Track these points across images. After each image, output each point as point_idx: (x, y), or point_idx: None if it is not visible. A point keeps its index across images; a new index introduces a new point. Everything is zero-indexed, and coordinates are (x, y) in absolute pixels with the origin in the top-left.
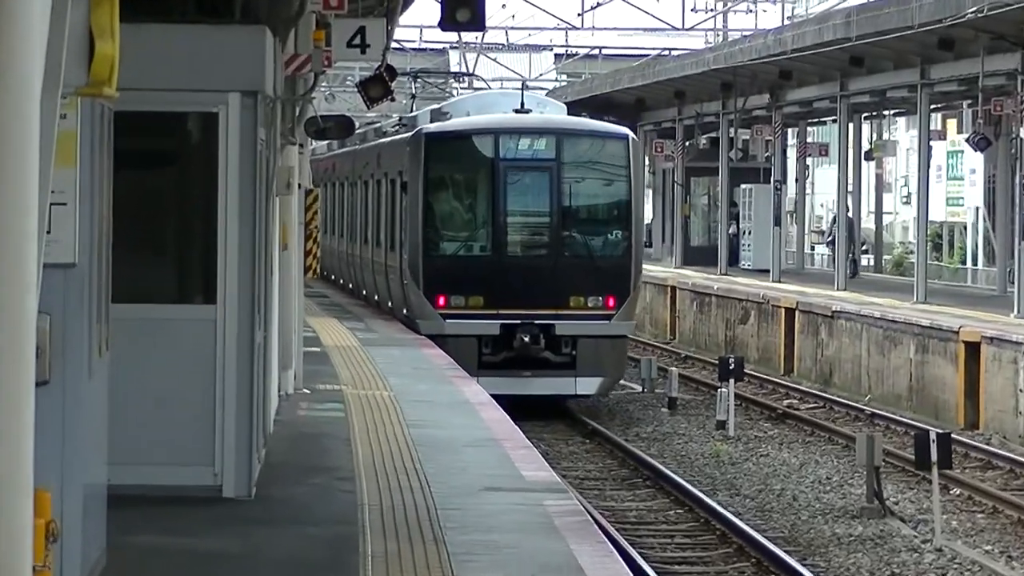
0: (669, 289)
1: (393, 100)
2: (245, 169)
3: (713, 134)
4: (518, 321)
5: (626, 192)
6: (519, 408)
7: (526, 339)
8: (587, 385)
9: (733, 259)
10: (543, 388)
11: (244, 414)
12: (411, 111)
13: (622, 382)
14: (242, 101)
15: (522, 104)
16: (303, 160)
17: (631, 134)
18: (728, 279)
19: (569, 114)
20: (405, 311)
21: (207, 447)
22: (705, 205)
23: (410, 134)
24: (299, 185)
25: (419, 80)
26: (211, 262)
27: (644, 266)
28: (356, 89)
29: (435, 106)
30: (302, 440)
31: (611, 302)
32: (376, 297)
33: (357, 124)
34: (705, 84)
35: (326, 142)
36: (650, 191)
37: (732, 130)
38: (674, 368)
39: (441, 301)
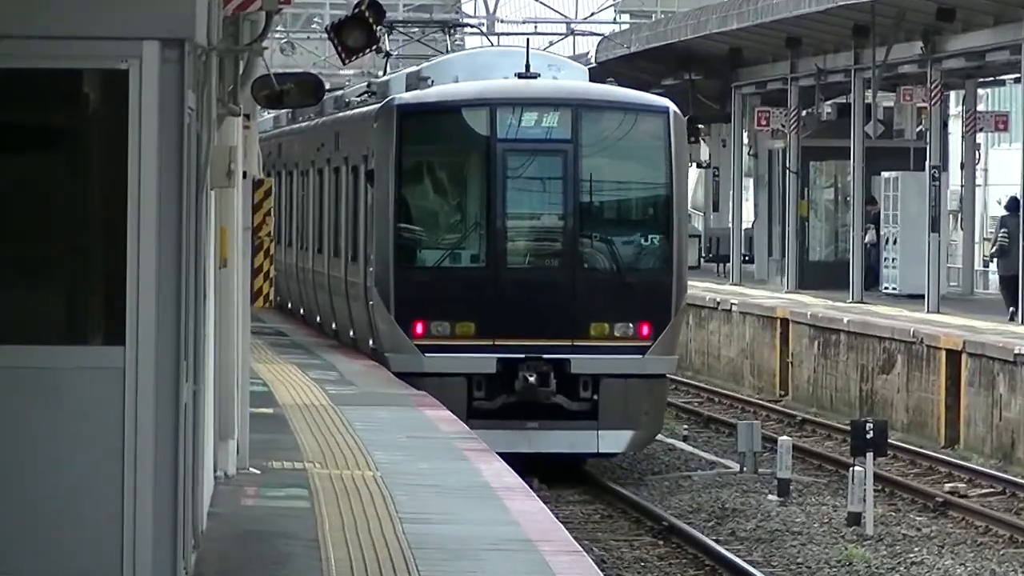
0: (778, 323)
1: (379, 52)
2: (166, 151)
3: (841, 99)
4: (521, 355)
5: (665, 184)
6: (554, 479)
7: (531, 379)
8: (613, 441)
9: (871, 280)
10: (554, 445)
11: (165, 505)
12: (383, 73)
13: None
14: (162, 53)
15: (527, 66)
16: (250, 137)
17: (672, 106)
18: (864, 308)
19: (602, 79)
20: (372, 343)
21: (111, 553)
22: (830, 201)
23: (378, 106)
24: (244, 173)
25: (396, 30)
26: (116, 285)
27: (742, 290)
28: (326, 36)
29: (413, 68)
30: (249, 542)
31: (645, 330)
32: (333, 325)
33: (327, 87)
34: (831, 27)
35: (270, 114)
36: (749, 182)
37: (869, 94)
38: (786, 437)
39: (419, 329)
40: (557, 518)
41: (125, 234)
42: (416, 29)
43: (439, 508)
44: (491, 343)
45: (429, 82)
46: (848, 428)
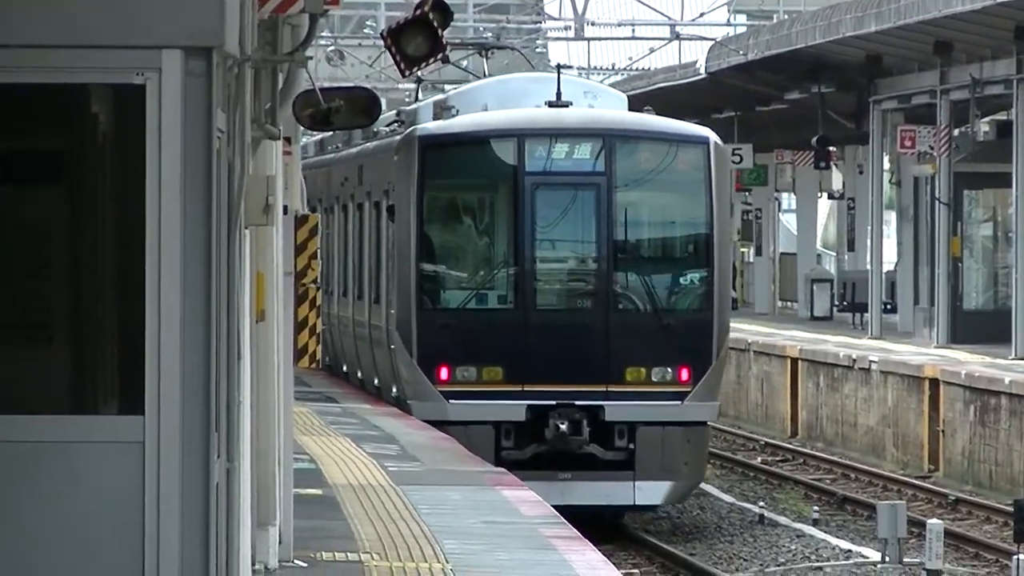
0: (927, 385)
1: (447, 62)
2: (191, 181)
3: (1002, 115)
4: (552, 402)
5: (706, 218)
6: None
7: (563, 427)
8: (651, 493)
9: None
10: (588, 496)
11: None
12: (414, 100)
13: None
14: (185, 64)
15: (559, 94)
16: (291, 165)
17: (713, 137)
18: None
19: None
20: (394, 390)
21: None
22: (988, 238)
23: (399, 137)
24: (284, 208)
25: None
26: (133, 343)
27: (884, 345)
28: (382, 42)
29: (440, 96)
30: None
31: (685, 374)
32: (359, 374)
33: (384, 104)
34: (988, 28)
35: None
36: (891, 215)
37: None
38: (937, 520)
39: (443, 374)
40: None
41: (143, 282)
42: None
43: None
44: (520, 389)
45: (454, 111)
46: (1011, 509)
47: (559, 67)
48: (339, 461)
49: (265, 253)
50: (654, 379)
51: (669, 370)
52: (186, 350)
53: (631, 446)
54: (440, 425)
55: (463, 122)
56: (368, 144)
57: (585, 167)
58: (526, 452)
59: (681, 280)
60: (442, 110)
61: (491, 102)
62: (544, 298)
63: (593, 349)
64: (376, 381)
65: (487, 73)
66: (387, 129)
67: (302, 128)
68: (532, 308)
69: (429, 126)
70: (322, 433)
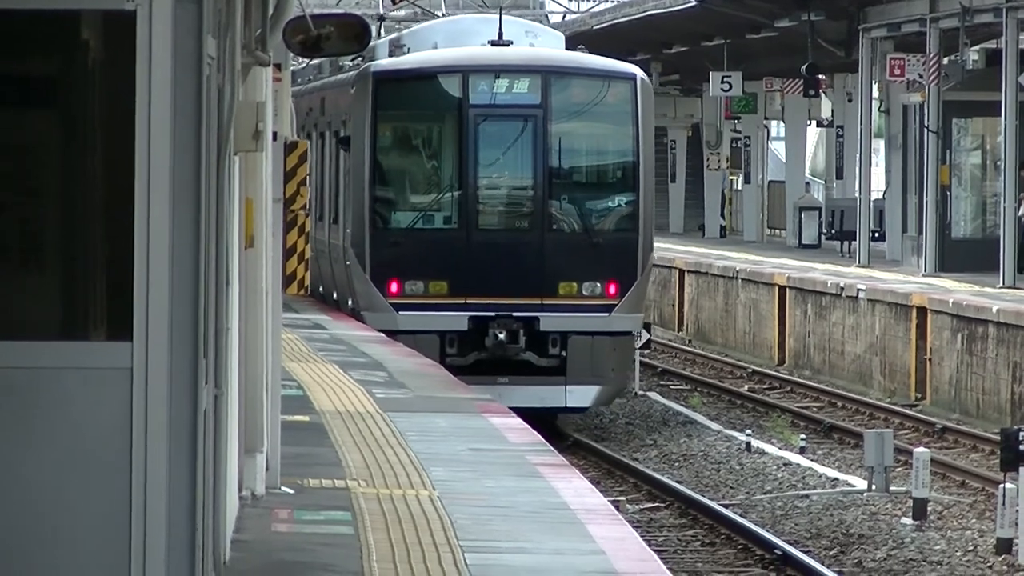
0: (915, 313)
1: None
2: (181, 108)
3: (991, 44)
4: (492, 313)
5: (633, 148)
6: (646, 499)
7: (502, 336)
8: (581, 396)
9: None
10: (524, 399)
11: (180, 531)
12: (378, 36)
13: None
14: None
15: (500, 34)
16: (281, 92)
17: (640, 73)
18: (1017, 295)
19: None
20: (350, 301)
21: None
22: (977, 167)
23: (355, 73)
24: (274, 135)
25: None
26: (122, 269)
27: (871, 273)
28: None
29: (395, 35)
30: (280, 575)
31: (613, 289)
32: (334, 294)
33: (374, 31)
34: None
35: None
36: (880, 143)
37: None
38: (923, 449)
39: (394, 288)
40: (650, 545)
41: (132, 208)
42: None
43: (508, 535)
44: (463, 301)
45: (406, 49)
46: (998, 438)
47: (500, 8)
48: (327, 388)
49: (254, 179)
50: (584, 293)
51: (598, 285)
52: (175, 277)
53: (563, 354)
54: (390, 334)
55: (413, 59)
56: (330, 79)
57: (523, 100)
58: (468, 359)
59: (609, 203)
60: (395, 48)
61: (440, 41)
62: (485, 219)
63: (529, 265)
64: (335, 295)
65: (444, 12)
66: (350, 64)
67: (292, 54)
68: (474, 228)
69: (382, 62)
70: (310, 360)
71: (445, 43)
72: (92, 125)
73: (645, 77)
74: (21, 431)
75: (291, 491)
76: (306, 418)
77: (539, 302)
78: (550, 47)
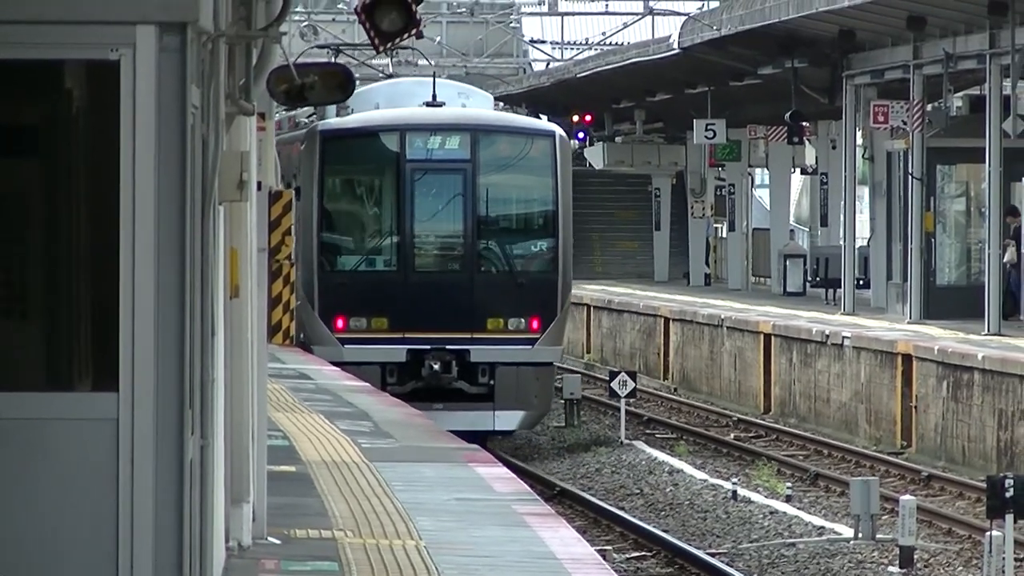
0: (900, 361)
1: (420, 37)
2: (165, 158)
3: (975, 90)
4: (427, 347)
5: (552, 197)
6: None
7: (436, 367)
8: (507, 420)
9: (1011, 307)
10: (457, 423)
11: None
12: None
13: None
14: (159, 40)
15: (434, 96)
16: (265, 141)
17: (559, 131)
18: (1003, 342)
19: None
20: (302, 335)
21: None
22: (961, 213)
23: (305, 131)
24: (258, 184)
25: (343, 52)
26: (108, 319)
27: (857, 320)
28: (355, 17)
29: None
30: None
31: (535, 324)
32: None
33: (357, 80)
34: (961, 3)
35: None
36: (864, 191)
37: (1008, 84)
38: (909, 497)
39: (340, 324)
40: None
41: (117, 258)
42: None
43: None
44: (401, 336)
45: (350, 109)
46: (984, 485)
47: (434, 74)
48: (312, 438)
49: (239, 229)
50: (510, 328)
51: (522, 320)
52: (160, 327)
53: (491, 382)
54: (337, 365)
55: (356, 118)
56: (286, 134)
57: (455, 155)
58: (407, 387)
59: (532, 247)
60: (341, 108)
61: (382, 102)
62: (421, 262)
63: (461, 303)
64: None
65: (391, 70)
66: (306, 120)
67: (276, 104)
68: (411, 270)
69: (330, 121)
70: (296, 409)
71: (386, 104)
72: (76, 175)
73: (563, 134)
74: (7, 481)
75: (278, 541)
76: (292, 468)
77: (469, 336)
78: (480, 107)
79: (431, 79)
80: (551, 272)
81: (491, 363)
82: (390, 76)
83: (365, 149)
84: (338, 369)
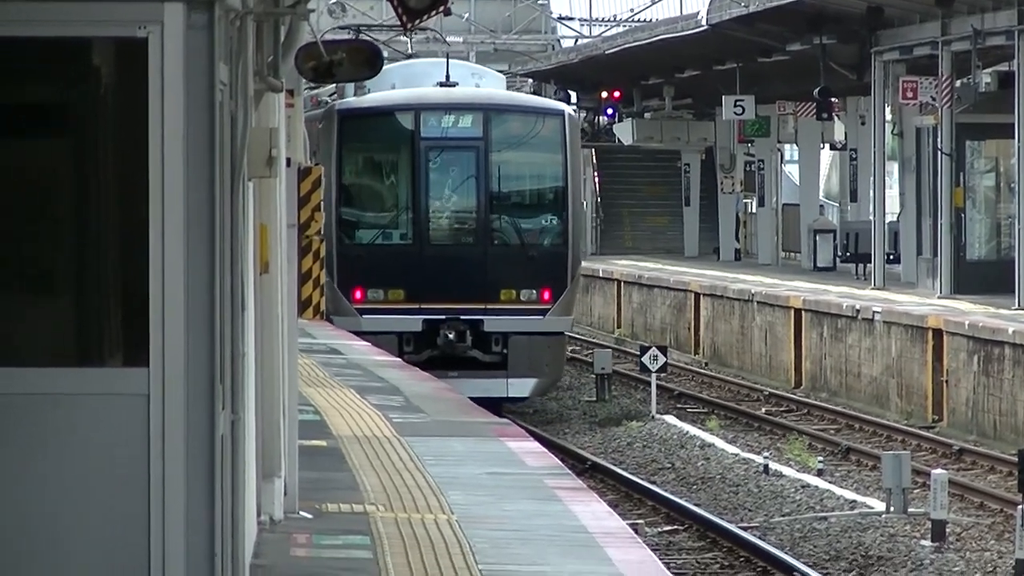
0: (931, 335)
1: (448, 14)
2: (194, 135)
3: (1003, 66)
4: (442, 317)
5: (562, 174)
6: (663, 522)
7: (451, 336)
8: (520, 387)
9: None
10: (471, 390)
11: (199, 557)
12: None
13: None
14: (187, 17)
15: (447, 76)
16: (294, 118)
17: (568, 109)
18: None
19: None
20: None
21: None
22: (991, 189)
23: (322, 111)
24: (287, 160)
25: (363, 32)
26: (138, 296)
27: (887, 295)
28: None
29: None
30: None
31: (546, 295)
32: None
33: (386, 55)
34: None
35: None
36: (894, 166)
37: None
38: (941, 471)
39: (358, 295)
40: (669, 569)
41: (147, 234)
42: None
43: (527, 558)
44: (417, 307)
45: (367, 89)
46: (1015, 459)
47: (447, 55)
48: (344, 412)
49: (268, 205)
50: (522, 298)
51: (534, 292)
52: (190, 302)
53: (504, 351)
54: (356, 334)
55: (373, 98)
56: (310, 111)
57: (468, 134)
58: (422, 356)
59: (543, 222)
60: (358, 88)
61: (398, 82)
62: (436, 235)
63: (475, 275)
64: None
65: (410, 52)
66: (327, 99)
67: (304, 80)
68: (427, 243)
69: (347, 101)
70: (326, 384)
71: (401, 84)
72: (105, 153)
73: (573, 113)
74: (39, 457)
75: (309, 516)
76: (323, 443)
77: (483, 307)
78: (492, 87)
79: (445, 60)
80: (561, 245)
81: (504, 332)
82: (410, 56)
83: (381, 128)
84: (368, 344)
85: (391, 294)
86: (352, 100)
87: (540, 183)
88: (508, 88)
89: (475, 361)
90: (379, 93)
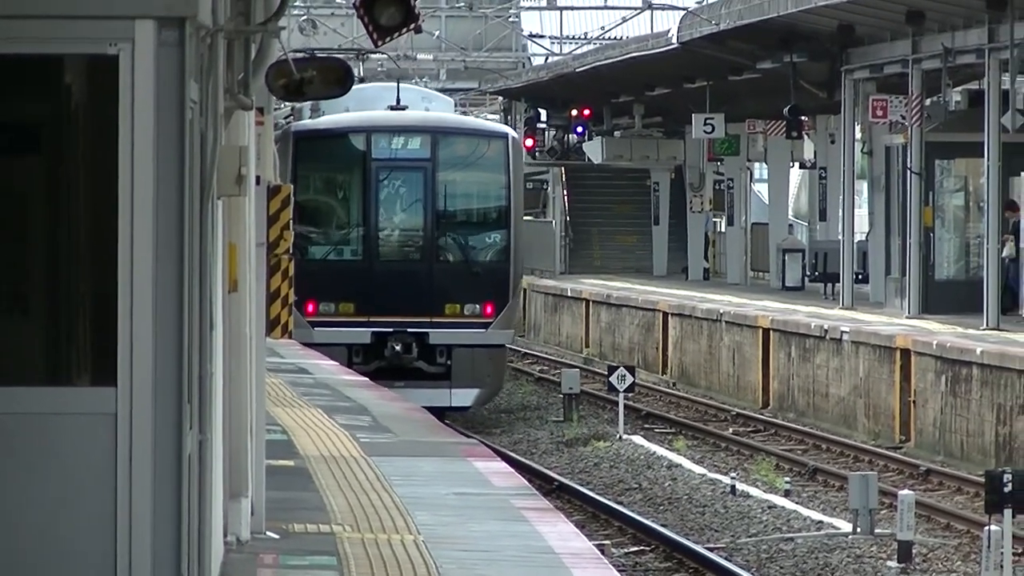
0: (899, 355)
1: (419, 32)
2: (164, 152)
3: (973, 85)
4: (390, 329)
5: (506, 194)
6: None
7: (398, 348)
8: (463, 397)
9: (1009, 301)
10: (416, 400)
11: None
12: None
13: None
14: (158, 35)
15: (398, 100)
16: (264, 136)
17: (511, 132)
18: (1001, 336)
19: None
20: None
21: None
22: (960, 208)
23: (280, 131)
24: (257, 178)
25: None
26: (106, 315)
27: (855, 315)
28: (354, 12)
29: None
30: None
31: (489, 309)
32: None
33: (357, 75)
34: None
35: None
36: (863, 185)
37: (1006, 78)
38: (908, 492)
39: (310, 308)
40: None
41: (115, 253)
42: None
43: None
44: (366, 319)
45: (321, 112)
46: (982, 480)
47: (398, 80)
48: (311, 432)
49: (237, 224)
50: (466, 313)
51: (477, 306)
52: (158, 321)
53: (448, 363)
54: (307, 345)
55: (327, 120)
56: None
57: (416, 155)
58: (371, 366)
59: (486, 239)
60: (312, 111)
61: (351, 105)
62: (385, 252)
63: (421, 290)
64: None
65: (361, 76)
66: (283, 121)
67: (274, 99)
68: (376, 259)
69: (303, 123)
70: (294, 404)
71: (354, 107)
72: (75, 169)
73: (516, 136)
74: (5, 475)
75: (276, 536)
76: (291, 463)
77: (429, 320)
78: (441, 111)
79: (396, 84)
80: (504, 262)
81: (448, 345)
82: (389, 73)
83: (335, 149)
84: (336, 364)
85: (342, 307)
86: (307, 122)
87: (484, 202)
88: (475, 107)
89: (421, 372)
90: (333, 116)
